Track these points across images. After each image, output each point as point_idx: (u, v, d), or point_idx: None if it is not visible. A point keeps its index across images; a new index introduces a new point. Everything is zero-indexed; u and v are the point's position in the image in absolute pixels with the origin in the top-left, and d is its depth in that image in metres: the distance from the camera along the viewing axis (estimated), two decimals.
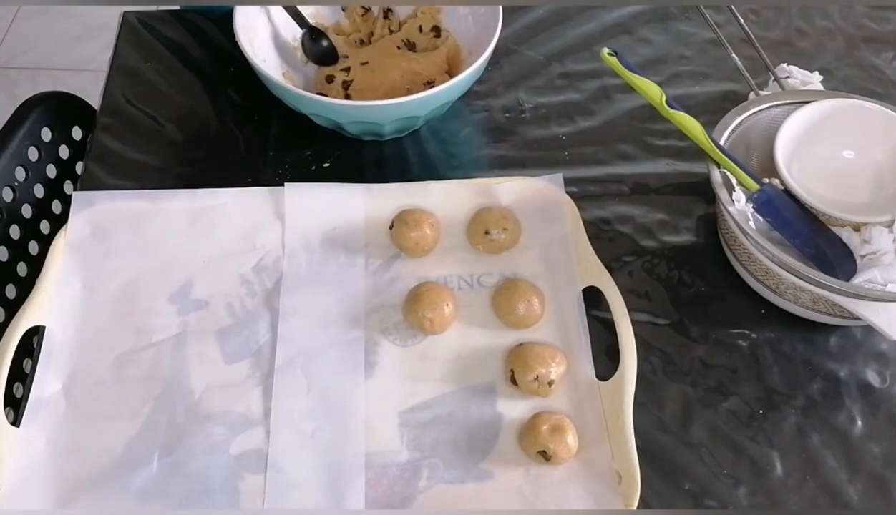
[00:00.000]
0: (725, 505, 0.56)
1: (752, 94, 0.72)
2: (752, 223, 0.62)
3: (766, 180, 0.64)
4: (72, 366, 0.60)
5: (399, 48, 0.79)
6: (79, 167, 0.76)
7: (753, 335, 0.64)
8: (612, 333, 0.60)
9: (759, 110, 0.68)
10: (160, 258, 0.65)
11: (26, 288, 0.63)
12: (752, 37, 0.75)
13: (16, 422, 0.57)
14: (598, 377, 0.59)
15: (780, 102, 0.68)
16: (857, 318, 0.59)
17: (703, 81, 0.81)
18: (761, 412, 0.60)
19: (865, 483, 0.57)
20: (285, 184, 0.68)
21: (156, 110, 0.77)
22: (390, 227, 0.66)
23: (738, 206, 0.62)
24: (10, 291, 0.71)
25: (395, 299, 0.63)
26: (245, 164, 0.73)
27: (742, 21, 0.76)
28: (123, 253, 0.65)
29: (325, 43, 0.77)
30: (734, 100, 0.76)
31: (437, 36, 0.79)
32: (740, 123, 0.67)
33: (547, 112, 0.78)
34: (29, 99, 0.77)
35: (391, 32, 0.80)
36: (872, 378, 0.62)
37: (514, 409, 0.58)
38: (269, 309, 0.63)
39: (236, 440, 0.57)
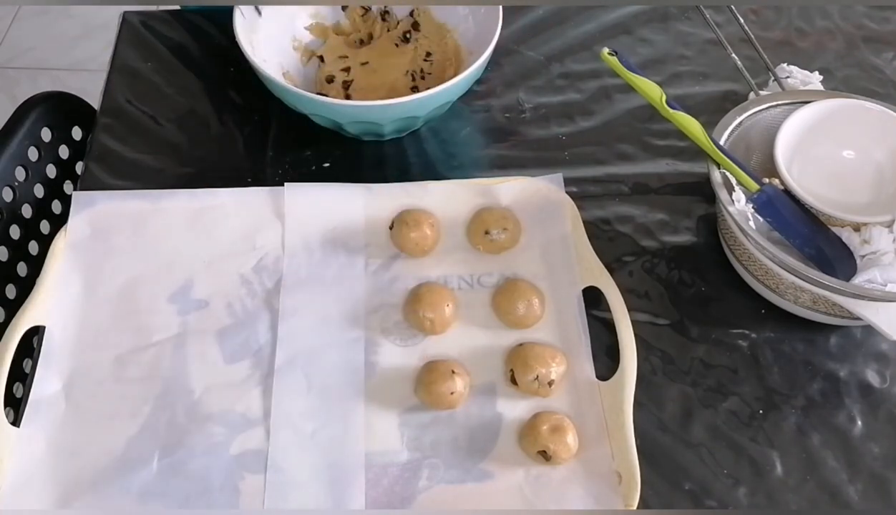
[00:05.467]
0: (725, 505, 0.56)
1: (752, 94, 0.72)
2: (752, 223, 0.62)
3: (766, 180, 0.64)
4: (72, 366, 0.60)
5: (397, 45, 0.79)
6: (79, 167, 0.76)
7: (753, 335, 0.64)
8: (612, 333, 0.60)
9: (759, 110, 0.68)
10: (160, 258, 0.65)
11: (26, 288, 0.63)
12: (752, 37, 0.75)
13: (16, 422, 0.57)
14: (598, 377, 0.59)
15: (780, 102, 0.68)
16: (857, 318, 0.59)
17: (703, 81, 0.81)
18: (761, 412, 0.60)
19: (865, 483, 0.57)
20: (285, 184, 0.68)
21: (156, 110, 0.77)
22: (390, 227, 0.66)
23: (738, 206, 0.62)
24: (10, 291, 0.71)
25: (395, 299, 0.63)
26: (245, 164, 0.73)
27: (742, 21, 0.75)
28: (123, 253, 0.65)
29: None
30: (734, 100, 0.76)
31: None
32: (740, 123, 0.67)
33: (547, 112, 0.78)
34: (29, 99, 0.76)
35: (389, 32, 0.80)
36: (872, 378, 0.62)
37: (514, 409, 0.58)
38: (269, 309, 0.63)
39: (236, 440, 0.57)
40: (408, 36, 0.79)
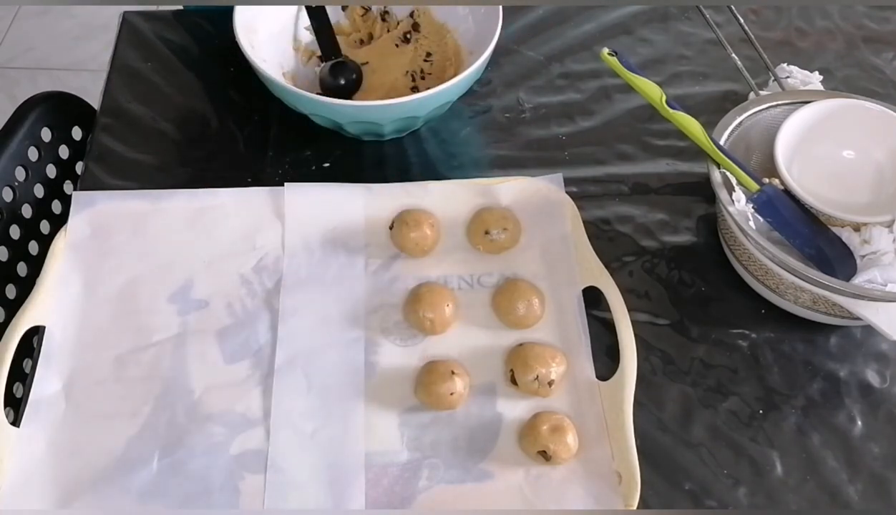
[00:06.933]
0: (725, 505, 0.56)
1: (752, 94, 0.72)
2: (752, 223, 0.62)
3: (766, 180, 0.64)
4: (72, 366, 0.60)
5: (397, 46, 0.79)
6: (79, 167, 0.76)
7: (753, 335, 0.64)
8: (612, 333, 0.60)
9: (759, 110, 0.68)
10: (160, 258, 0.65)
11: (26, 288, 0.63)
12: (752, 37, 0.75)
13: (16, 422, 0.57)
14: (598, 377, 0.59)
15: (780, 102, 0.68)
16: (857, 318, 0.59)
17: (703, 81, 0.81)
18: (761, 412, 0.60)
19: (865, 483, 0.57)
20: (285, 184, 0.68)
21: (156, 110, 0.77)
22: (390, 227, 0.66)
23: (738, 206, 0.62)
24: (10, 291, 0.71)
25: (395, 299, 0.63)
26: (245, 164, 0.73)
27: (742, 21, 0.76)
28: (123, 253, 0.65)
29: (353, 76, 0.77)
30: (734, 100, 0.76)
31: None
32: (740, 123, 0.67)
33: (547, 112, 0.78)
34: (29, 99, 0.76)
35: (389, 32, 0.80)
36: (872, 378, 0.62)
37: (514, 409, 0.58)
38: (269, 309, 0.63)
39: (236, 440, 0.57)
40: (408, 36, 0.79)
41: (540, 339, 0.61)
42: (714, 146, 0.63)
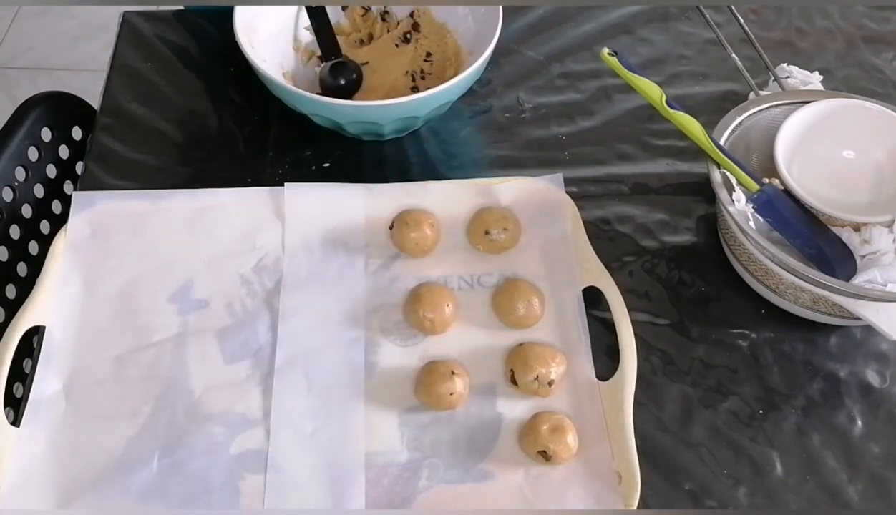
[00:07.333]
0: (725, 505, 0.56)
1: (752, 94, 0.72)
2: (752, 223, 0.62)
3: (766, 180, 0.64)
4: (72, 366, 0.60)
5: (397, 46, 0.79)
6: (79, 167, 0.76)
7: (753, 335, 0.64)
8: (612, 333, 0.60)
9: (759, 110, 0.68)
10: (160, 258, 0.65)
11: (26, 288, 0.63)
12: (752, 37, 0.75)
13: (16, 422, 0.57)
14: (598, 377, 0.59)
15: (780, 102, 0.68)
16: (857, 318, 0.59)
17: (703, 81, 0.81)
18: (761, 412, 0.60)
19: (865, 483, 0.57)
20: (285, 184, 0.68)
21: (156, 110, 0.77)
22: (390, 227, 0.66)
23: (738, 206, 0.62)
24: (10, 291, 0.71)
25: (395, 299, 0.63)
26: (245, 164, 0.73)
27: (742, 21, 0.76)
28: (123, 253, 0.65)
29: (353, 76, 0.77)
30: (734, 100, 0.76)
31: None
32: (740, 123, 0.67)
33: (547, 112, 0.78)
34: (29, 99, 0.76)
35: (389, 32, 0.80)
36: (872, 378, 0.62)
37: (514, 409, 0.58)
38: (269, 309, 0.63)
39: (236, 440, 0.57)
40: (408, 36, 0.79)
41: (540, 339, 0.61)
42: (714, 146, 0.63)
